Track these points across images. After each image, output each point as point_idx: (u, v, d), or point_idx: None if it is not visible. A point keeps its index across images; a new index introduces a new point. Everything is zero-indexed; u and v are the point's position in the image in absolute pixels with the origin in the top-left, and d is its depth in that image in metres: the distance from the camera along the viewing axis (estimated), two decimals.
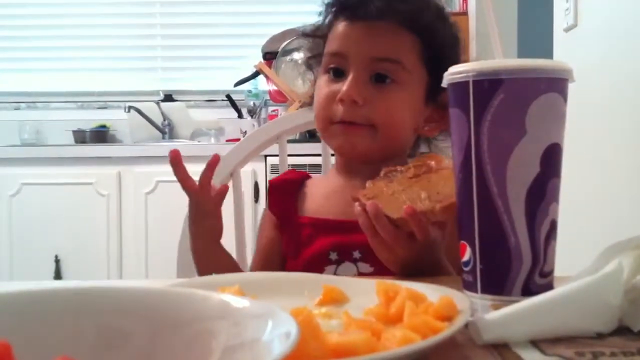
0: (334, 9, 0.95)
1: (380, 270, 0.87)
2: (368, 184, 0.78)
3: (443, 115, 0.94)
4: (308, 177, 1.06)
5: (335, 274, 0.91)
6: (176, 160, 0.89)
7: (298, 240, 0.97)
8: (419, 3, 0.94)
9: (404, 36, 0.91)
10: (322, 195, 1.00)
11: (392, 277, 0.72)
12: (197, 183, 0.91)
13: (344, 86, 0.89)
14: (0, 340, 0.31)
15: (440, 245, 0.78)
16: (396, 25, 0.90)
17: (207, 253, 0.96)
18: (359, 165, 0.96)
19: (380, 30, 0.90)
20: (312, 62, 1.02)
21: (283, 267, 1.00)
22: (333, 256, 0.92)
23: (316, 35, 0.99)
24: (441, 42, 0.93)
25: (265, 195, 2.66)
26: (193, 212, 0.93)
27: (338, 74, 0.92)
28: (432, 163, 0.77)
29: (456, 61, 0.93)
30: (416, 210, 0.70)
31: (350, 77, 0.89)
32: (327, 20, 0.96)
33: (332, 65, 0.93)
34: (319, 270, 0.92)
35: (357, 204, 0.75)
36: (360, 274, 0.90)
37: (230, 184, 1.16)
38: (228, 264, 0.99)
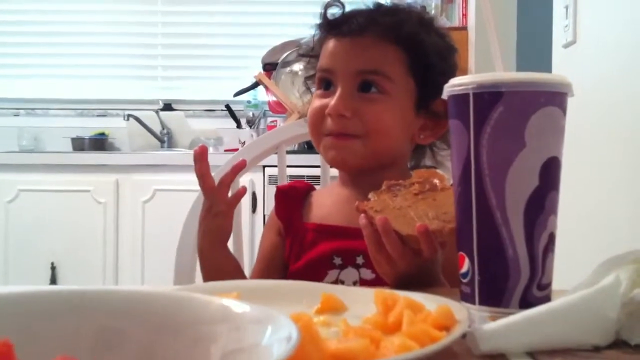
0: (323, 29, 1.00)
1: (381, 277, 0.88)
2: (371, 195, 0.77)
3: (437, 123, 0.97)
4: (313, 188, 1.08)
5: (337, 278, 0.93)
6: (201, 156, 0.90)
7: (302, 244, 0.99)
8: (401, 15, 0.97)
9: (387, 48, 0.94)
10: (327, 204, 1.02)
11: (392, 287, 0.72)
12: (215, 182, 0.92)
13: (332, 101, 0.93)
14: (2, 339, 0.31)
15: (439, 262, 0.78)
16: (379, 38, 0.94)
17: (212, 253, 0.97)
18: (361, 177, 0.97)
19: (363, 45, 0.94)
20: (309, 82, 1.07)
21: (285, 273, 1.01)
22: (337, 261, 0.94)
23: (310, 55, 1.04)
24: (426, 51, 0.96)
25: (264, 205, 2.67)
26: (205, 210, 0.95)
27: (328, 87, 0.96)
28: (436, 181, 0.77)
29: (447, 70, 0.96)
30: (429, 229, 0.70)
31: (337, 92, 0.93)
32: (318, 40, 1.01)
33: (322, 79, 0.97)
34: (322, 273, 0.93)
35: (362, 215, 0.75)
36: (362, 280, 0.92)
37: (229, 194, 1.16)
38: (232, 267, 1.00)
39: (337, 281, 0.93)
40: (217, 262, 0.97)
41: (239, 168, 0.93)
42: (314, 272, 0.93)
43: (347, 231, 0.95)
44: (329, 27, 0.99)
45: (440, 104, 0.94)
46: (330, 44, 0.97)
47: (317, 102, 0.96)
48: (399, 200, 0.76)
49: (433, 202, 0.74)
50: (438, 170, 0.83)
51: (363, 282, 0.91)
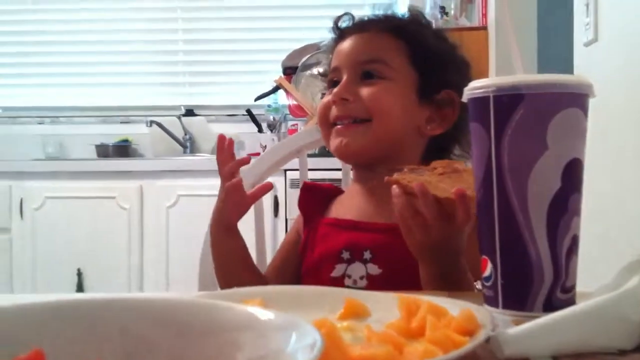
0: (334, 39, 1.07)
1: (388, 272, 0.90)
2: (396, 175, 0.77)
3: (444, 115, 1.00)
4: (341, 192, 1.11)
5: (344, 273, 0.94)
6: (222, 144, 0.97)
7: (315, 237, 1.01)
8: (402, 16, 1.06)
9: (388, 40, 1.00)
10: (344, 202, 1.05)
11: (407, 291, 0.72)
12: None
13: (335, 89, 0.98)
14: (35, 349, 0.32)
15: (465, 237, 0.79)
16: (380, 32, 1.00)
17: (216, 235, 1.02)
18: (369, 171, 1.00)
19: (364, 38, 1.01)
20: None
21: (298, 270, 1.03)
22: (345, 255, 0.95)
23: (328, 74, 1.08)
24: (426, 44, 1.01)
25: (285, 209, 2.68)
26: (219, 197, 0.99)
27: (336, 85, 1.00)
28: (457, 166, 0.78)
29: (450, 63, 1.02)
30: (466, 192, 0.70)
31: (341, 82, 0.99)
32: (331, 53, 1.07)
33: (330, 80, 1.03)
34: (330, 267, 0.95)
35: (394, 186, 0.75)
36: (369, 275, 0.93)
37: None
38: (236, 252, 1.03)
39: (344, 275, 0.94)
40: (222, 245, 1.02)
41: (242, 162, 0.98)
42: (323, 266, 0.96)
43: (356, 225, 0.97)
44: (339, 35, 1.05)
45: (444, 95, 0.99)
46: (338, 47, 1.03)
47: (325, 98, 1.02)
48: (426, 177, 0.76)
49: (460, 178, 0.75)
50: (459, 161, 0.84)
51: (370, 277, 0.92)
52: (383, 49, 0.99)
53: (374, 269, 0.92)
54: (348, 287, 0.91)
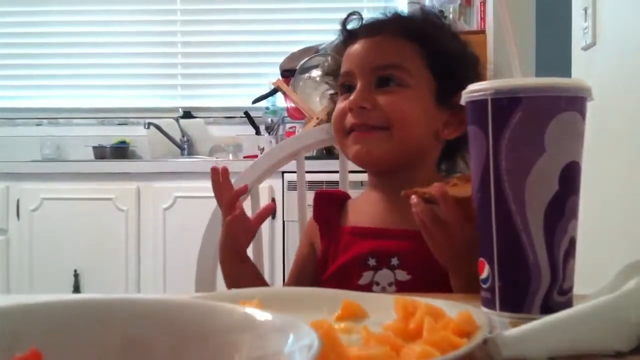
0: (343, 40, 1.03)
1: (417, 278, 0.89)
2: (417, 189, 0.77)
3: (460, 117, 0.96)
4: (349, 197, 1.10)
5: (372, 280, 0.93)
6: (216, 175, 0.98)
7: (337, 246, 1.00)
8: (416, 16, 1.03)
9: (403, 44, 0.97)
10: (361, 209, 1.03)
11: (422, 294, 0.72)
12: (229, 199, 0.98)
13: (351, 97, 0.95)
14: (31, 349, 0.32)
15: None
16: (394, 36, 0.97)
17: (225, 262, 1.02)
18: (389, 178, 0.98)
19: (379, 42, 0.97)
20: (335, 98, 1.08)
21: (315, 282, 1.02)
22: (371, 262, 0.94)
23: (336, 74, 1.06)
24: (442, 46, 0.98)
25: (283, 211, 2.68)
26: (222, 228, 1.00)
27: (350, 90, 0.97)
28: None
29: (466, 64, 0.99)
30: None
31: (357, 88, 0.95)
32: (340, 53, 1.03)
33: (343, 84, 1.00)
34: (356, 275, 0.94)
35: (413, 196, 0.75)
36: (397, 281, 0.92)
37: (248, 200, 1.17)
38: (249, 276, 1.03)
39: (372, 282, 0.93)
40: (236, 273, 1.02)
41: (240, 193, 0.99)
42: (349, 274, 0.94)
43: (381, 232, 0.96)
44: (348, 36, 1.02)
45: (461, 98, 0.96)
46: (349, 49, 1.00)
47: (340, 104, 0.99)
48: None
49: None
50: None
51: (398, 284, 0.91)
52: (399, 53, 0.96)
53: (402, 275, 0.91)
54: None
